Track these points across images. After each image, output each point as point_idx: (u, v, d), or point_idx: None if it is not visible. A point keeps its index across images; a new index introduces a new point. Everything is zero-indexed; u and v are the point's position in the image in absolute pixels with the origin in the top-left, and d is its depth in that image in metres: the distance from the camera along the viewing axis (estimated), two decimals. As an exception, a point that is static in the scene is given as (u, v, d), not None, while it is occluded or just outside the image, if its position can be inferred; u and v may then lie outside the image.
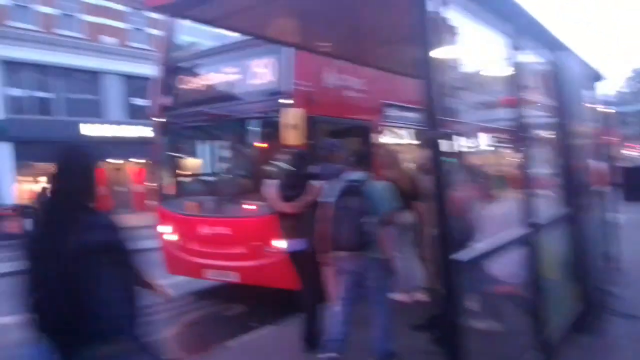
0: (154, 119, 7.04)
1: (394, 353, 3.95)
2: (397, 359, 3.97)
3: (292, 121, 5.29)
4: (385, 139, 7.12)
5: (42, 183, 20.08)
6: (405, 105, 7.59)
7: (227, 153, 7.02)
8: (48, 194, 2.16)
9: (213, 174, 6.76)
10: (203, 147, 7.16)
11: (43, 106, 20.14)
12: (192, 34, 7.38)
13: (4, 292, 2.31)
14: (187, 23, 7.20)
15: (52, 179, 2.13)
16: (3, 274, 9.97)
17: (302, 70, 5.80)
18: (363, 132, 6.74)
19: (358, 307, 4.05)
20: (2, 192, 18.48)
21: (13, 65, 19.14)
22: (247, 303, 6.59)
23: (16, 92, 19.44)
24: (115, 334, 2.04)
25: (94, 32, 21.70)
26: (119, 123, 21.21)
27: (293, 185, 4.64)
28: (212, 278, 6.53)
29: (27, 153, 19.13)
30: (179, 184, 7.24)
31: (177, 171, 7.25)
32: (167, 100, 6.76)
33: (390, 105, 7.25)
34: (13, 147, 18.77)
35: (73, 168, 2.16)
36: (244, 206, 6.29)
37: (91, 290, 1.97)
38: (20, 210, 16.40)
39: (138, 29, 22.65)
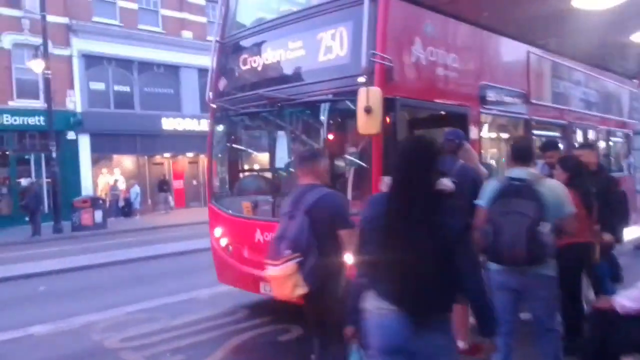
0: (210, 105, 6.10)
1: None
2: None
3: (370, 103, 4.08)
4: (487, 129, 5.73)
5: (116, 175, 20.46)
6: (509, 89, 6.20)
7: (290, 144, 5.91)
8: (390, 184, 2.37)
9: (275, 169, 5.70)
10: (264, 138, 6.10)
11: (122, 99, 20.40)
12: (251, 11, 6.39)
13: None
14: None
15: (398, 170, 2.36)
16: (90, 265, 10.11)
17: (384, 40, 4.55)
18: (459, 120, 5.40)
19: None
20: (80, 183, 18.82)
21: (93, 59, 19.52)
22: (306, 324, 5.46)
23: (96, 85, 19.80)
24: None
25: (173, 26, 21.78)
26: (195, 117, 21.11)
27: None
28: (268, 294, 5.46)
29: (104, 145, 19.49)
30: (234, 181, 6.25)
31: (233, 165, 6.25)
32: (223, 84, 5.78)
33: (491, 88, 5.85)
34: (89, 140, 19.10)
35: (421, 160, 2.32)
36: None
37: (452, 267, 2.22)
38: (94, 202, 16.53)
39: (214, 22, 22.50)
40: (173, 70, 21.69)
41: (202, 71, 21.16)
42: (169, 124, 21.13)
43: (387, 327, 2.25)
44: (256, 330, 5.51)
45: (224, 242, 5.89)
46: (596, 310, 3.17)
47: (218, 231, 5.95)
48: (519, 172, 3.41)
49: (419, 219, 2.23)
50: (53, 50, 17.28)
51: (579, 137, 8.44)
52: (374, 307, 2.30)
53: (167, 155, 22.11)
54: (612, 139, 9.91)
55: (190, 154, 22.35)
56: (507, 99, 6.26)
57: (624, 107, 10.51)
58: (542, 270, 3.26)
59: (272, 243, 3.17)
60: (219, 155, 6.30)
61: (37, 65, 15.96)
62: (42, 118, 17.10)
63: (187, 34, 22.09)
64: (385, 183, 3.71)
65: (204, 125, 20.08)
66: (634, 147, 9.46)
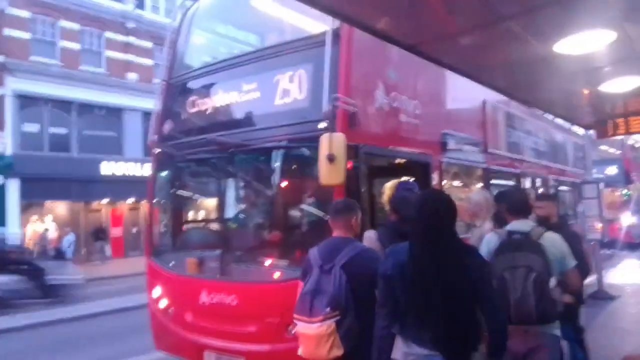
0: (152, 149, 5.54)
1: None
2: None
3: (333, 151, 3.70)
4: (449, 179, 5.48)
5: (47, 223, 18.96)
6: (468, 137, 6.07)
7: (242, 194, 5.39)
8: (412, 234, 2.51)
9: (224, 220, 5.15)
10: (212, 186, 5.53)
11: (58, 142, 19.20)
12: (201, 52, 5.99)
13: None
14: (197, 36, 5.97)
15: (422, 220, 2.46)
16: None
17: (348, 83, 4.24)
18: (421, 168, 5.12)
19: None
20: (4, 233, 17.23)
21: (29, 100, 18.40)
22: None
23: (30, 127, 18.58)
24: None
25: (117, 68, 21.07)
26: (138, 161, 20.13)
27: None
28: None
29: (35, 191, 18.09)
30: (177, 233, 5.62)
31: (177, 216, 5.64)
32: (168, 127, 5.26)
33: (452, 137, 5.66)
34: (19, 184, 17.70)
35: (446, 209, 2.47)
36: (263, 266, 4.67)
37: (473, 310, 2.37)
38: (22, 253, 15.11)
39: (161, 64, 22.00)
40: (116, 112, 20.78)
41: (147, 114, 20.27)
42: (109, 168, 20.02)
43: None
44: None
45: (163, 303, 5.19)
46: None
47: (157, 291, 5.26)
48: (519, 224, 3.24)
49: (446, 264, 2.38)
50: (-17, 88, 16.15)
51: (531, 185, 8.46)
52: (406, 354, 2.42)
53: (105, 201, 20.82)
54: (563, 188, 10.07)
55: (130, 200, 21.17)
56: (467, 148, 6.11)
57: (571, 157, 10.80)
58: (549, 330, 3.08)
59: (304, 297, 2.97)
60: (161, 203, 5.69)
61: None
62: (-35, 160, 15.68)
63: (132, 76, 21.39)
64: (368, 238, 3.48)
65: (146, 169, 19.14)
66: (583, 196, 9.61)
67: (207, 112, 5.11)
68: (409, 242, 2.50)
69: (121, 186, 19.94)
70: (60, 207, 19.85)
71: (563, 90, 5.30)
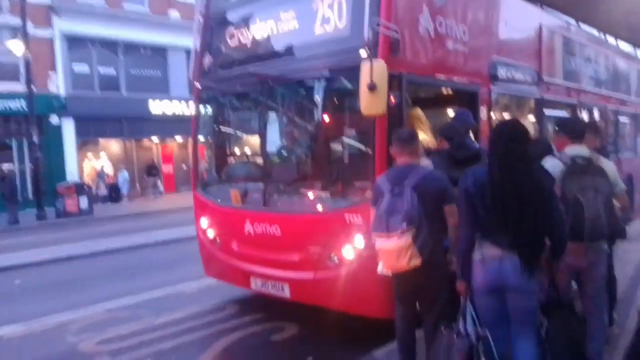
0: (193, 85, 5.55)
1: None
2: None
3: (374, 79, 3.57)
4: (499, 110, 5.25)
5: (103, 160, 19.83)
6: (520, 65, 5.73)
7: (283, 127, 5.37)
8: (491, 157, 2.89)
9: (266, 154, 5.17)
10: (254, 120, 5.51)
11: (107, 82, 19.68)
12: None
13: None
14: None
15: (502, 144, 2.82)
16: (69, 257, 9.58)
17: (390, 7, 4.02)
18: (468, 99, 4.91)
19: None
20: (64, 169, 18.20)
21: (76, 41, 18.75)
22: (303, 323, 5.02)
23: (80, 67, 19.04)
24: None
25: (160, 6, 20.97)
26: (184, 99, 20.43)
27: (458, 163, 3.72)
28: (259, 290, 5.00)
29: (89, 130, 18.86)
30: (221, 167, 5.72)
31: (221, 150, 5.71)
32: (208, 61, 5.22)
33: (502, 65, 5.36)
34: (74, 124, 18.43)
35: (521, 135, 2.86)
36: (304, 198, 4.72)
37: (542, 220, 2.76)
38: (78, 188, 15.97)
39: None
40: (160, 51, 20.94)
41: (191, 53, 20.45)
42: (157, 107, 20.48)
43: (499, 270, 2.79)
44: (247, 329, 5.06)
45: (211, 233, 5.40)
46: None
47: (204, 222, 5.45)
48: (579, 149, 3.45)
49: (522, 182, 2.76)
50: (34, 31, 16.51)
51: (588, 117, 8.01)
52: (485, 255, 2.84)
53: (155, 139, 21.46)
54: (621, 119, 9.49)
55: (179, 138, 21.73)
56: (519, 77, 5.77)
57: (633, 86, 10.08)
58: (604, 246, 3.42)
59: (380, 217, 3.23)
60: (205, 139, 5.78)
61: (17, 47, 15.18)
62: (23, 102, 16.35)
63: (174, 14, 21.28)
64: (425, 165, 3.73)
65: (192, 107, 19.48)
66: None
67: (246, 45, 5.01)
68: (488, 163, 2.89)
69: (169, 124, 20.44)
70: (114, 145, 20.66)
71: (626, 8, 4.83)
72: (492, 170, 2.83)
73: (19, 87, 16.90)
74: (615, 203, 3.49)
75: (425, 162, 3.72)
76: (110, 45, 19.57)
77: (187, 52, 19.10)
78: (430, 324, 3.37)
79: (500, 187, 2.77)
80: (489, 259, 2.82)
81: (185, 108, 20.55)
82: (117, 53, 19.86)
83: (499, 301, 2.86)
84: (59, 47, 18.27)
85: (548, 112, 6.38)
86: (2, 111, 17.01)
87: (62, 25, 18.24)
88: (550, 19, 6.48)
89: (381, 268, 3.36)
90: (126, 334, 5.11)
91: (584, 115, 7.66)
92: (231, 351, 4.64)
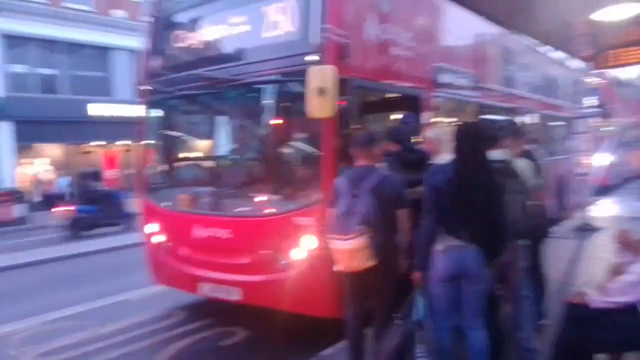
0: (141, 87, 5.45)
1: None
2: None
3: (323, 84, 3.65)
4: (441, 114, 5.45)
5: (43, 165, 18.92)
6: (462, 71, 5.99)
7: (233, 131, 5.37)
8: (453, 154, 3.18)
9: (214, 158, 5.14)
10: (203, 123, 5.50)
11: (47, 83, 18.82)
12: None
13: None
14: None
15: (465, 144, 3.11)
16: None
17: (339, 13, 4.12)
18: (412, 103, 5.08)
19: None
20: (1, 174, 17.24)
21: (15, 40, 17.84)
22: (253, 327, 5.02)
23: (18, 68, 18.14)
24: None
25: (104, 5, 20.31)
26: (128, 102, 19.79)
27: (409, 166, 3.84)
28: (208, 294, 4.97)
29: (28, 133, 17.94)
30: (169, 171, 5.63)
31: (168, 154, 5.62)
32: (157, 63, 5.14)
33: (445, 71, 5.59)
34: (14, 127, 17.51)
35: (482, 137, 3.18)
36: (254, 202, 4.74)
37: (500, 212, 3.13)
38: (14, 196, 15.17)
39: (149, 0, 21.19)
40: (104, 52, 20.25)
41: (136, 54, 19.94)
42: (98, 109, 19.73)
43: (461, 258, 3.03)
44: (195, 335, 5.01)
45: (158, 239, 5.30)
46: (569, 305, 2.96)
47: (152, 227, 5.35)
48: (495, 154, 3.52)
49: (484, 179, 3.06)
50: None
51: (522, 121, 8.44)
52: (448, 246, 3.05)
53: (97, 143, 20.69)
54: (553, 123, 10.07)
55: (124, 142, 21.03)
56: (460, 82, 6.04)
57: (565, 92, 10.71)
58: (524, 243, 3.62)
59: (338, 218, 3.34)
60: (153, 142, 5.67)
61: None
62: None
63: (119, 13, 20.65)
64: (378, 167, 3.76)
65: (137, 111, 18.94)
66: (573, 131, 9.63)
67: (196, 48, 4.99)
68: (454, 161, 3.12)
69: (113, 128, 19.74)
70: (54, 150, 19.74)
71: (561, 19, 5.17)
72: (459, 168, 3.06)
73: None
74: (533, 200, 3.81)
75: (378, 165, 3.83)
76: (50, 45, 18.73)
77: (132, 53, 18.92)
78: (381, 319, 3.49)
79: (467, 184, 3.01)
80: (451, 249, 3.04)
81: (129, 111, 19.92)
82: (58, 53, 19.04)
83: (454, 289, 3.10)
84: (-6, 47, 17.36)
85: (487, 116, 6.69)
86: None
87: (1, 24, 17.31)
88: (490, 29, 6.81)
89: (337, 267, 3.45)
90: (70, 344, 4.93)
91: (519, 120, 8.08)
92: (179, 358, 4.58)
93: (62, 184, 18.84)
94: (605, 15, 4.86)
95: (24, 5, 17.86)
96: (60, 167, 19.41)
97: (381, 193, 3.32)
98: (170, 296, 5.86)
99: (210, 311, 5.49)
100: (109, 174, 21.04)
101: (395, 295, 3.44)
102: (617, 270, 3.03)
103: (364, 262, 3.27)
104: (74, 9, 19.34)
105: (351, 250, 3.26)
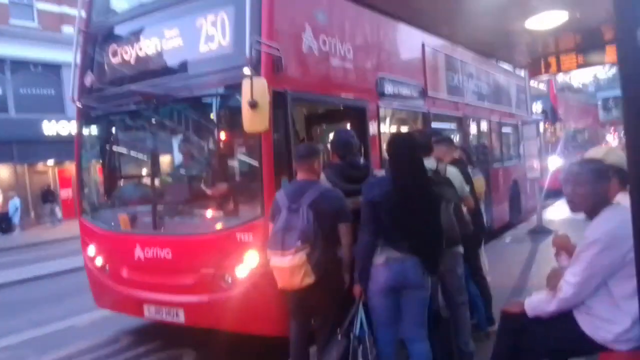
0: (75, 103, 5.25)
1: None
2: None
3: (255, 97, 3.58)
4: (388, 124, 5.46)
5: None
6: (407, 82, 6.04)
7: (171, 147, 5.22)
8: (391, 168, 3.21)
9: (152, 175, 4.98)
10: (140, 139, 5.30)
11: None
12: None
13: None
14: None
15: (400, 155, 3.12)
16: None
17: (271, 26, 4.07)
18: (356, 115, 5.07)
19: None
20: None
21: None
22: (201, 349, 4.86)
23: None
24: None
25: (52, 22, 19.77)
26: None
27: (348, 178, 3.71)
28: (153, 317, 4.78)
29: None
30: (107, 190, 5.42)
31: (106, 172, 5.41)
32: (90, 79, 4.96)
33: (389, 81, 5.61)
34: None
35: (417, 147, 3.20)
36: (194, 219, 4.62)
37: (439, 221, 3.17)
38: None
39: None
40: (53, 69, 19.62)
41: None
42: (51, 128, 19.09)
43: (402, 270, 3.02)
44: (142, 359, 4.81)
45: (99, 261, 5.09)
46: (505, 314, 2.93)
47: (92, 249, 5.14)
48: (428, 162, 3.54)
49: (422, 189, 3.09)
50: None
51: (472, 129, 8.60)
52: (387, 258, 3.03)
53: (50, 162, 20.01)
54: (504, 129, 10.30)
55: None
56: (405, 92, 6.08)
57: (513, 99, 10.99)
58: (458, 249, 3.72)
59: (276, 234, 3.26)
60: (89, 161, 5.46)
61: None
62: None
63: (68, 29, 20.11)
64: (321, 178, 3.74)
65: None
66: (523, 137, 9.87)
67: (129, 62, 4.83)
68: (392, 173, 3.12)
69: (66, 146, 18.99)
70: (3, 171, 18.98)
71: (498, 29, 5.29)
72: (397, 178, 3.05)
73: None
74: (464, 206, 3.99)
75: (321, 177, 3.77)
76: (-3, 63, 18.08)
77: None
78: (324, 336, 3.40)
79: (406, 194, 3.00)
80: (392, 261, 3.00)
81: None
82: (3, 71, 18.36)
83: (394, 301, 3.07)
84: None
85: (434, 124, 6.76)
86: None
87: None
88: (433, 39, 6.91)
89: (278, 283, 3.37)
90: (3, 378, 4.65)
91: (467, 127, 8.22)
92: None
93: (13, 205, 18.13)
94: (539, 23, 4.99)
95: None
96: (10, 188, 18.64)
97: (320, 207, 3.24)
98: (116, 321, 5.63)
99: (157, 334, 5.29)
100: (64, 193, 20.37)
101: (338, 312, 3.35)
102: (556, 276, 3.02)
103: (303, 279, 3.18)
104: (21, 27, 18.74)
105: (290, 267, 3.16)
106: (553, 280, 2.66)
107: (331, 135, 4.39)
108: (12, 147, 18.18)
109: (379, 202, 3.03)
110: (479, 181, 4.90)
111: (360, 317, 3.21)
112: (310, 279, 3.19)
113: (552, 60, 5.92)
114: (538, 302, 2.70)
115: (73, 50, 5.10)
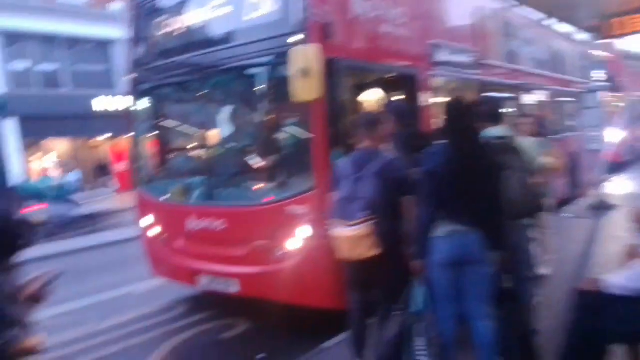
0: (127, 77, 5.32)
1: None
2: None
3: (306, 65, 3.49)
4: (439, 93, 5.24)
5: (50, 161, 19.00)
6: (461, 48, 5.77)
7: (221, 118, 5.21)
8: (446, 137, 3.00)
9: (206, 147, 5.02)
10: (192, 112, 5.34)
11: (50, 79, 18.82)
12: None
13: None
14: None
15: (457, 122, 2.96)
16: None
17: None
18: (407, 83, 4.89)
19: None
20: (10, 171, 17.35)
21: (14, 37, 17.78)
22: (255, 319, 4.92)
23: (19, 65, 18.12)
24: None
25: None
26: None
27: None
28: (207, 287, 4.87)
29: (34, 129, 17.97)
30: (162, 162, 5.51)
31: (159, 145, 5.49)
32: (141, 52, 5.00)
33: (443, 49, 5.37)
34: (19, 124, 17.56)
35: (472, 114, 3.05)
36: (247, 191, 4.61)
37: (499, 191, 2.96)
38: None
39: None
40: (103, 45, 20.12)
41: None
42: (102, 103, 19.69)
43: (464, 244, 2.86)
44: (196, 328, 4.94)
45: (154, 232, 5.22)
46: (580, 292, 2.76)
47: (147, 220, 5.27)
48: (495, 131, 3.45)
49: (481, 157, 2.95)
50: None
51: (529, 98, 8.19)
52: (448, 231, 2.88)
53: (105, 137, 20.71)
54: (562, 98, 9.77)
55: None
56: (459, 59, 5.81)
57: (572, 66, 10.38)
58: (524, 223, 3.51)
59: (340, 203, 3.19)
60: (143, 134, 5.54)
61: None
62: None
63: (116, 6, 20.49)
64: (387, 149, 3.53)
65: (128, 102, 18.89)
66: (583, 107, 9.32)
67: (179, 34, 4.82)
68: (448, 142, 2.96)
69: (119, 121, 19.69)
70: (61, 145, 19.81)
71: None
72: (452, 149, 2.91)
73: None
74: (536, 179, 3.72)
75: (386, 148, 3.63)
76: (49, 40, 18.67)
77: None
78: (385, 310, 3.33)
79: (462, 165, 2.87)
80: (452, 234, 2.87)
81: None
82: (57, 48, 18.98)
83: (455, 275, 2.91)
84: (-6, 45, 17.35)
85: (489, 94, 6.46)
86: None
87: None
88: (489, 2, 6.56)
89: (340, 254, 3.27)
90: (68, 340, 4.87)
91: (524, 96, 7.83)
92: (180, 352, 4.50)
93: (72, 178, 18.96)
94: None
95: (21, 2, 17.78)
96: (68, 162, 19.49)
97: (387, 177, 3.14)
98: (172, 289, 5.77)
99: (211, 303, 5.39)
100: (117, 167, 21.12)
101: (400, 285, 3.25)
102: (633, 253, 2.81)
103: (368, 250, 3.09)
104: (68, 4, 19.25)
105: (354, 238, 3.08)
106: (630, 257, 2.49)
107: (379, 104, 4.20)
108: (67, 122, 18.89)
109: (437, 173, 2.91)
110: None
111: (418, 293, 3.10)
112: (374, 250, 3.10)
113: (622, 20, 5.46)
114: (621, 280, 2.51)
115: (124, 24, 5.13)
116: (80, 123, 19.11)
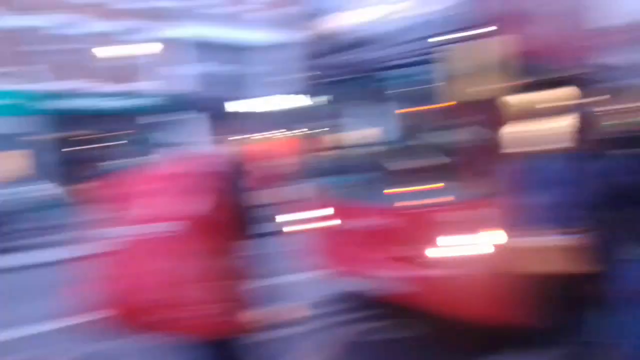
0: (302, 74, 5.52)
1: None
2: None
3: (490, 60, 3.23)
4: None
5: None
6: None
7: (398, 115, 5.05)
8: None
9: (377, 144, 4.98)
10: (368, 109, 5.30)
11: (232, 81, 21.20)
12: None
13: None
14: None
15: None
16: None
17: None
18: (584, 83, 4.26)
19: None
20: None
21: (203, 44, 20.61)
22: (425, 324, 4.68)
23: (205, 68, 20.97)
24: None
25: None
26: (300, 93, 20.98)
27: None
28: (379, 286, 4.80)
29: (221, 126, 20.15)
30: (329, 160, 5.55)
31: (335, 140, 5.54)
32: (318, 48, 5.14)
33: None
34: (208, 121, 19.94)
35: None
36: (426, 191, 4.38)
37: None
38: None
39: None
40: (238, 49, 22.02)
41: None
42: (241, 105, 21.43)
43: None
44: (363, 324, 4.91)
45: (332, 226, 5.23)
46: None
47: (322, 212, 5.28)
48: None
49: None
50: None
51: None
52: None
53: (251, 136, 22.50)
54: None
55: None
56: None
57: None
58: None
59: (544, 210, 2.88)
60: (317, 130, 5.71)
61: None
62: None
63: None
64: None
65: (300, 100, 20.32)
66: None
67: (357, 29, 4.80)
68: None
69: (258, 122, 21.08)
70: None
71: None
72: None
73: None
74: None
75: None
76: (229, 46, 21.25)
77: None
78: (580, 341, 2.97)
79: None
80: None
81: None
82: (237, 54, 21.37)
83: None
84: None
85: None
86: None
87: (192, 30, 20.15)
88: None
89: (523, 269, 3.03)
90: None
91: None
92: (345, 347, 4.54)
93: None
94: None
95: (209, 13, 20.53)
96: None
97: (611, 182, 2.72)
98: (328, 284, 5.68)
99: (381, 301, 5.32)
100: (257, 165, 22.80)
101: (590, 308, 2.84)
102: None
103: (568, 266, 2.73)
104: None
105: (550, 249, 2.78)
106: None
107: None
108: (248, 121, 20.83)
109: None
110: None
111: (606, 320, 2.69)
112: (578, 268, 2.73)
113: None
114: None
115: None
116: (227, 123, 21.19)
